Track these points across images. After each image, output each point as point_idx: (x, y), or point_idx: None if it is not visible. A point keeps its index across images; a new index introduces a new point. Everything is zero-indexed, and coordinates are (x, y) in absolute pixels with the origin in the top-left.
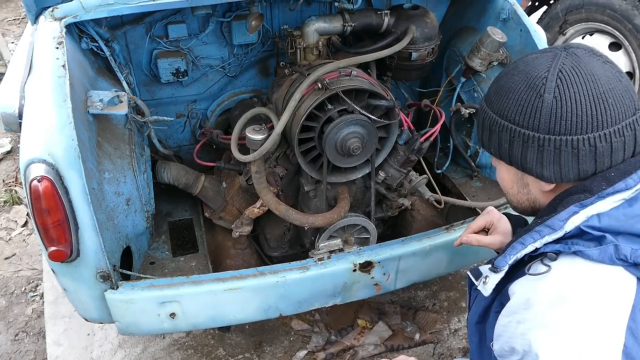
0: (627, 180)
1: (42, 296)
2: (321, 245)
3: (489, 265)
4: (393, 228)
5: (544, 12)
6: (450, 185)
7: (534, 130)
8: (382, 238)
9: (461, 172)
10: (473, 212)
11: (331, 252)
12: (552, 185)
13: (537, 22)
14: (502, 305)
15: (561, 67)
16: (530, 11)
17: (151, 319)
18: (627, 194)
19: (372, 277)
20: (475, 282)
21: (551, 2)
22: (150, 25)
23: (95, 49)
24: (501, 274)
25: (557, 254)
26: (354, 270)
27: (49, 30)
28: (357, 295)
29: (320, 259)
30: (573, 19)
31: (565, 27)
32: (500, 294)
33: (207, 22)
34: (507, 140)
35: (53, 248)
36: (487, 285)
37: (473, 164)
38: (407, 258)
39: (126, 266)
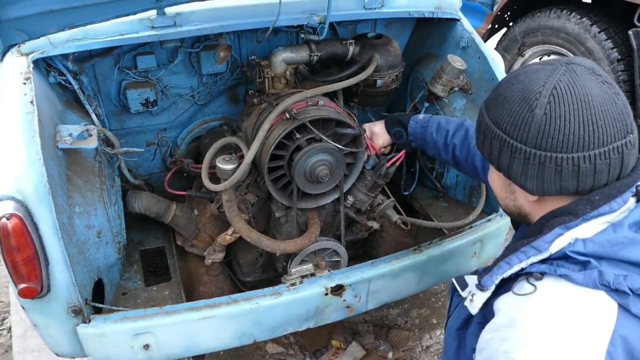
0: (611, 203)
1: (9, 330)
2: (293, 270)
3: (476, 282)
4: (364, 248)
5: (504, 35)
6: (418, 206)
7: (521, 143)
8: (353, 258)
9: (427, 193)
10: (440, 232)
11: (303, 277)
12: (536, 197)
13: (497, 44)
14: (485, 317)
15: (557, 83)
16: (490, 33)
17: (125, 352)
18: (611, 217)
19: (344, 300)
20: (461, 293)
21: (510, 25)
22: (119, 57)
23: (64, 83)
24: (488, 293)
25: (543, 274)
26: (326, 294)
27: (16, 66)
28: (329, 318)
29: (292, 284)
30: (530, 42)
31: (524, 49)
32: (484, 307)
33: (175, 53)
34: (497, 148)
35: (23, 285)
36: (474, 302)
37: (439, 185)
38: (377, 280)
39: (98, 299)
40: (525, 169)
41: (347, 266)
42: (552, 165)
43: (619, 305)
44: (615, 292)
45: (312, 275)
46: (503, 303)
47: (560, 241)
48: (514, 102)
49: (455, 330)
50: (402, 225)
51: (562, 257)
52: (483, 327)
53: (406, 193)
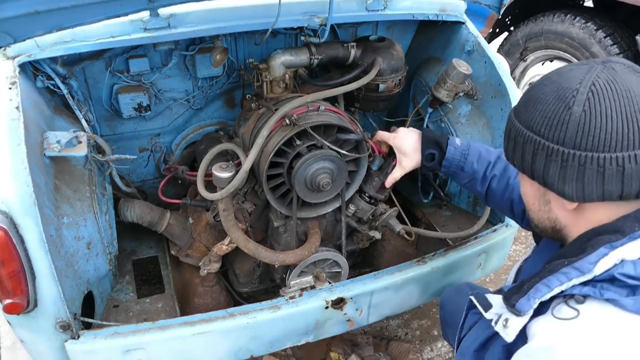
0: None
1: None
2: (292, 282)
3: (502, 304)
4: (363, 257)
5: (505, 39)
6: (420, 214)
7: (558, 144)
8: (352, 267)
9: (430, 201)
10: (443, 242)
11: (303, 289)
12: (575, 205)
13: (499, 49)
14: (514, 341)
15: (595, 80)
16: (491, 37)
17: None
18: None
19: (345, 314)
20: (485, 314)
21: (512, 29)
22: (110, 60)
23: (52, 87)
24: (526, 318)
25: (585, 297)
26: (326, 307)
27: (1, 70)
28: (329, 332)
29: (291, 297)
30: (533, 46)
31: (526, 54)
32: None
33: (170, 55)
34: (530, 153)
35: (8, 301)
36: (509, 329)
37: (442, 193)
38: (379, 292)
39: (88, 311)
40: (564, 172)
41: (348, 276)
42: (594, 167)
43: None
44: None
45: (312, 287)
46: (540, 327)
47: (605, 262)
48: (548, 102)
49: (473, 351)
50: (406, 236)
51: (608, 279)
52: (509, 351)
53: (426, 201)
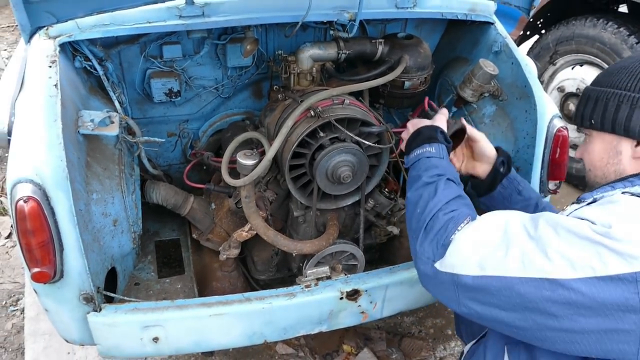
0: None
1: (22, 311)
2: (309, 272)
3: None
4: (380, 253)
5: (535, 42)
6: None
7: None
8: (369, 263)
9: None
10: None
11: (318, 279)
12: None
13: (528, 52)
14: None
15: None
16: (521, 40)
17: (133, 343)
18: None
19: (359, 305)
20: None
21: (542, 32)
22: (145, 45)
23: (89, 68)
24: (582, 205)
25: None
26: (341, 298)
27: (42, 48)
28: (343, 322)
29: (307, 286)
30: (563, 50)
31: (556, 58)
32: None
33: (202, 44)
34: (613, 106)
35: (36, 269)
36: (565, 212)
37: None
38: (394, 287)
39: (110, 287)
40: None
41: (364, 271)
42: None
43: None
44: None
45: (328, 278)
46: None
47: None
48: (633, 66)
49: None
50: None
51: None
52: None
53: None
